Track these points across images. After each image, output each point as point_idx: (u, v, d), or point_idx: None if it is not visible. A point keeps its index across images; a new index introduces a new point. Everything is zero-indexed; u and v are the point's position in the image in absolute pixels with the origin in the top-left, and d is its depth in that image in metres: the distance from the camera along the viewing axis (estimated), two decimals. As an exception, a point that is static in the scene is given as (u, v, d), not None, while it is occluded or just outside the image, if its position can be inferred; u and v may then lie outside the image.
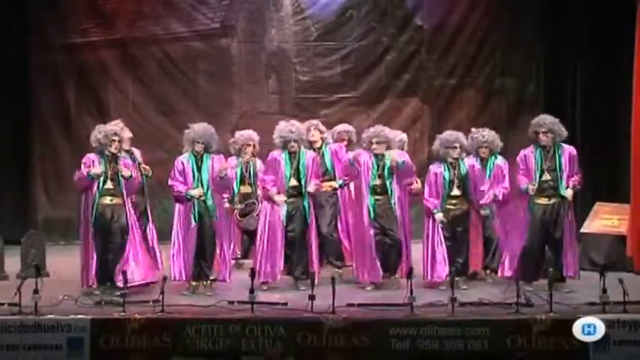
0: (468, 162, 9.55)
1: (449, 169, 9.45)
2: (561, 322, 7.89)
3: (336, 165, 10.17)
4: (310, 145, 10.17)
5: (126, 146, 9.72)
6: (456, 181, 9.44)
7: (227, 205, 10.67)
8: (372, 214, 9.45)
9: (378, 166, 9.51)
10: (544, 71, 13.41)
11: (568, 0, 12.81)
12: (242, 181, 10.63)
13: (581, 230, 10.85)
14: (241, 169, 10.65)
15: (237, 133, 10.87)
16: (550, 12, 13.11)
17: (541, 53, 13.39)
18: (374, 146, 9.49)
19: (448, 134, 9.57)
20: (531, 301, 8.28)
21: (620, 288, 8.08)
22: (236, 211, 10.57)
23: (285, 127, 9.63)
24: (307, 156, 9.65)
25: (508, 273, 9.33)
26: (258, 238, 9.65)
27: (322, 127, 10.38)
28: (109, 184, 9.16)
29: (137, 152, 10.17)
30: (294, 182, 9.56)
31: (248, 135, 10.65)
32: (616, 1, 11.57)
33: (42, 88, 13.51)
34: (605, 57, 12.30)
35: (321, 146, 10.26)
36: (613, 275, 8.36)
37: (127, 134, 9.84)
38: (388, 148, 9.53)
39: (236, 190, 10.64)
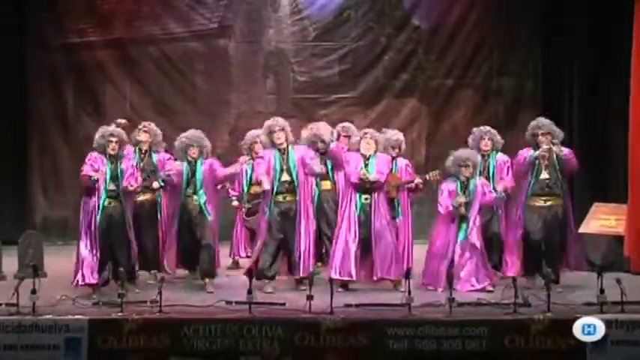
0: (479, 182, 9.51)
1: (461, 187, 9.44)
2: (559, 322, 7.89)
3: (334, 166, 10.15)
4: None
5: (160, 147, 10.03)
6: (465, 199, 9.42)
7: (235, 203, 10.70)
8: (358, 212, 9.47)
9: (366, 165, 9.53)
10: (542, 71, 13.41)
11: (567, 0, 12.81)
12: (251, 181, 10.59)
13: (579, 230, 10.85)
14: (251, 169, 10.60)
15: (247, 134, 10.81)
16: (549, 12, 13.11)
17: (539, 53, 13.39)
18: (363, 146, 9.55)
19: (461, 152, 9.57)
20: (529, 301, 8.29)
21: (617, 288, 8.09)
22: (243, 209, 10.58)
23: (268, 121, 9.70)
24: (295, 151, 9.61)
25: (510, 272, 9.35)
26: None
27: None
28: (112, 186, 9.15)
29: (160, 156, 10.16)
30: (286, 177, 9.56)
31: (254, 133, 10.59)
32: (615, 1, 11.57)
33: (40, 88, 13.51)
34: (603, 57, 12.29)
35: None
36: (611, 275, 8.35)
37: (144, 136, 10.02)
38: (377, 147, 9.59)
39: (245, 190, 10.63)
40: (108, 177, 9.13)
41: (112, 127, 9.46)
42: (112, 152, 9.18)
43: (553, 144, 9.36)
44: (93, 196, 9.12)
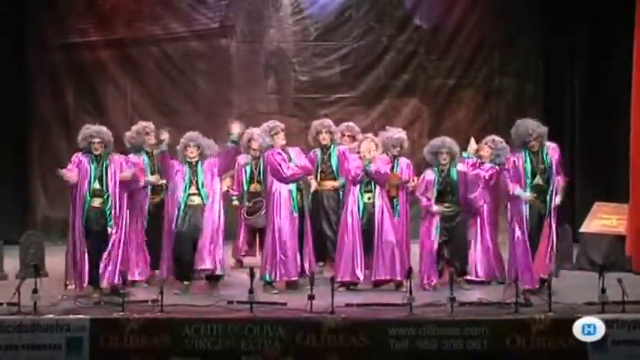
0: (460, 167, 9.48)
1: (439, 173, 9.44)
2: (560, 322, 7.90)
3: (341, 166, 10.11)
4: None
5: (163, 146, 9.75)
6: (447, 186, 9.42)
7: (235, 202, 10.69)
8: (361, 212, 9.47)
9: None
10: (543, 71, 13.41)
11: (567, 0, 12.82)
12: (251, 179, 10.59)
13: (580, 230, 10.89)
14: (251, 167, 10.60)
15: (245, 132, 10.78)
16: (548, 12, 13.11)
17: (540, 53, 13.39)
18: (363, 149, 9.55)
19: (435, 140, 9.58)
20: (530, 301, 8.30)
21: (619, 288, 8.09)
22: (244, 209, 10.58)
23: (268, 123, 9.69)
24: (291, 149, 9.68)
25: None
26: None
27: (334, 128, 10.35)
28: (96, 185, 9.08)
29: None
30: None
31: (250, 131, 10.57)
32: (615, 1, 11.57)
33: (40, 88, 13.52)
34: (604, 57, 12.30)
35: (330, 146, 10.24)
36: (612, 275, 8.36)
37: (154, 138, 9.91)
38: (377, 150, 9.60)
39: (245, 188, 10.61)
40: (92, 176, 9.05)
41: (94, 127, 9.27)
42: (96, 152, 9.11)
43: (543, 145, 9.19)
44: (78, 196, 9.05)
